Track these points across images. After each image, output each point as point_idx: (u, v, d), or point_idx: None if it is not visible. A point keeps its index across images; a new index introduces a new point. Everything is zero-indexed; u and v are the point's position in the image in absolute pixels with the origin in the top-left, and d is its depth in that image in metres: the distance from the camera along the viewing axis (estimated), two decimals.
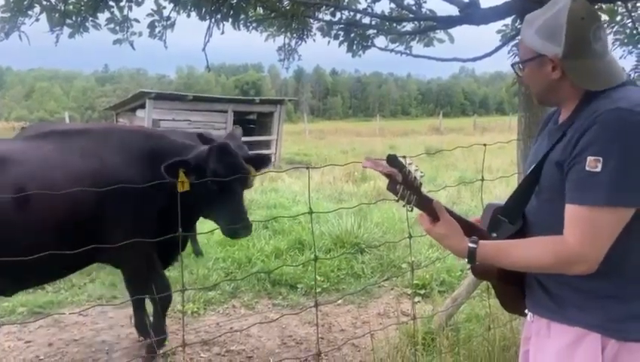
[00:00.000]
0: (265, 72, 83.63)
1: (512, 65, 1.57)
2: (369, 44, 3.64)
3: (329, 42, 3.72)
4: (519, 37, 1.55)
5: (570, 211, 1.36)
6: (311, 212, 2.12)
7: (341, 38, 3.70)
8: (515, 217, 1.58)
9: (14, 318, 4.36)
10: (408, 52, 3.56)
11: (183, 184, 3.06)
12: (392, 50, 3.54)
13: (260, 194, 9.13)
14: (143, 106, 14.28)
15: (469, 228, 1.60)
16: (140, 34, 3.55)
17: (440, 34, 3.83)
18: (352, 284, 5.21)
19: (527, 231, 1.56)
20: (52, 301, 4.60)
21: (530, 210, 1.57)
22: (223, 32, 3.51)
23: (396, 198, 1.47)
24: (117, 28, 3.45)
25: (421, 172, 1.50)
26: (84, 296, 4.79)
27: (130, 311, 4.04)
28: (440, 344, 2.77)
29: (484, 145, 2.65)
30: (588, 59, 1.39)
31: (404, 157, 1.49)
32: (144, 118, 13.93)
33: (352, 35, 3.62)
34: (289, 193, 8.86)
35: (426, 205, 1.53)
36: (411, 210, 1.53)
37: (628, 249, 1.37)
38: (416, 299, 4.93)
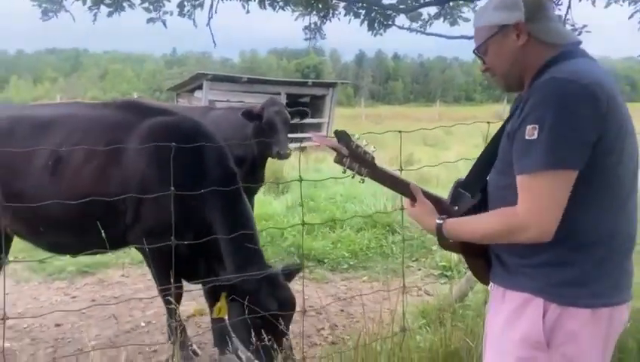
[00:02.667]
0: (326, 55, 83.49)
1: (474, 52, 1.61)
2: (390, 22, 3.67)
3: (350, 21, 3.79)
4: (474, 27, 1.61)
5: (518, 181, 1.41)
6: (300, 180, 2.27)
7: (362, 17, 3.76)
8: (474, 190, 1.63)
9: (64, 276, 4.82)
10: (422, 30, 3.56)
11: (220, 309, 2.60)
12: (409, 29, 3.56)
13: (303, 174, 9.30)
14: (200, 87, 14.87)
15: (446, 209, 1.68)
16: (171, 13, 3.78)
17: (466, 13, 3.80)
18: (380, 262, 5.32)
19: (487, 204, 1.60)
20: (98, 261, 5.01)
21: (489, 182, 1.61)
22: (248, 12, 3.68)
23: (343, 170, 1.60)
24: (150, 7, 3.70)
25: (373, 147, 1.62)
26: (127, 259, 5.17)
27: None
28: (434, 320, 2.83)
29: (488, 122, 2.68)
30: (547, 20, 1.50)
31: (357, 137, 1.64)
32: (201, 99, 14.51)
33: (373, 13, 3.67)
34: (331, 173, 8.99)
35: (402, 188, 1.68)
36: (363, 182, 1.66)
37: (571, 217, 1.40)
38: (442, 280, 4.98)
